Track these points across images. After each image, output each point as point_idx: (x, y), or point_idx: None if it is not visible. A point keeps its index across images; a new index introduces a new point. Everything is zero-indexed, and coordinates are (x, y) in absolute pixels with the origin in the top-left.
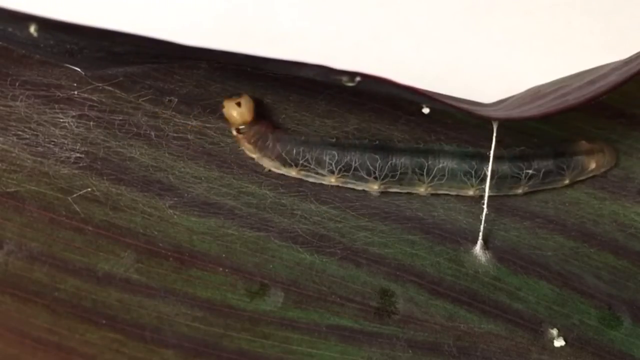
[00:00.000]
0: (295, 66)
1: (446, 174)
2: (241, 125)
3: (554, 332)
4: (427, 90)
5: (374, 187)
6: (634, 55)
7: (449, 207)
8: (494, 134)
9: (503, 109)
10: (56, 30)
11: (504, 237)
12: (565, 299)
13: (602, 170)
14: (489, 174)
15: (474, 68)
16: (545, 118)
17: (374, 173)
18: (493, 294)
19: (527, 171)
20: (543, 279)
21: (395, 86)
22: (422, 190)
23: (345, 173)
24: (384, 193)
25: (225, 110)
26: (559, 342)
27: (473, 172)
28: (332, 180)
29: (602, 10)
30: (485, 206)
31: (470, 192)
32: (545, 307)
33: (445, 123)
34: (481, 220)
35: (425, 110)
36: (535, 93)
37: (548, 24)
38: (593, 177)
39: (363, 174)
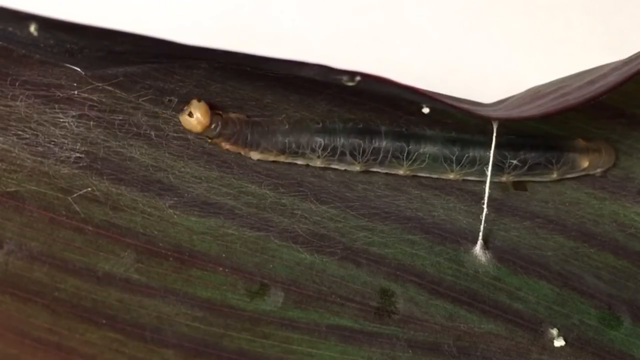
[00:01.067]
0: (296, 66)
1: (427, 159)
2: (207, 130)
3: (554, 332)
4: (427, 90)
5: (356, 168)
6: (634, 55)
7: (449, 207)
8: (494, 134)
9: (503, 109)
10: (56, 29)
11: (504, 237)
12: (565, 299)
13: (599, 170)
14: (489, 173)
15: (474, 68)
16: (545, 118)
17: (358, 155)
18: (493, 294)
19: (512, 161)
20: (543, 279)
21: (395, 86)
22: (401, 172)
23: (330, 157)
24: (384, 193)
25: (184, 125)
26: (559, 342)
27: (454, 158)
28: (317, 163)
29: (602, 10)
30: (485, 206)
31: (451, 176)
32: (545, 307)
33: (445, 123)
34: (481, 220)
35: (425, 110)
36: (535, 93)
37: (548, 24)
38: (593, 177)
39: (347, 156)
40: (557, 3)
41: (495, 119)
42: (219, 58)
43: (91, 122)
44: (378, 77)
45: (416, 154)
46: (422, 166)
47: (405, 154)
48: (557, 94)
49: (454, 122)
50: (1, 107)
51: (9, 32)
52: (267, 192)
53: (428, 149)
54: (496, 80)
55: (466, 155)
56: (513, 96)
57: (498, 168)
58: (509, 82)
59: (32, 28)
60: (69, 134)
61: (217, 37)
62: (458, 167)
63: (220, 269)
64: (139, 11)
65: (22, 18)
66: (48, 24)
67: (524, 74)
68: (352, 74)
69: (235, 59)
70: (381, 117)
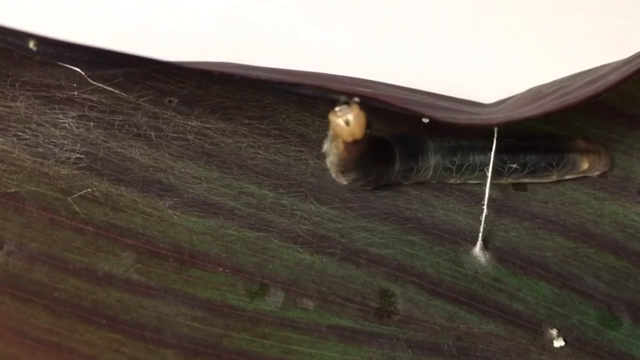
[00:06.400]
0: (294, 86)
1: (430, 171)
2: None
3: (554, 332)
4: (427, 106)
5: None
6: (634, 55)
7: (449, 208)
8: (494, 137)
9: (503, 109)
10: (54, 46)
11: (504, 237)
12: (565, 299)
13: (595, 173)
14: (489, 175)
15: (474, 68)
16: (546, 118)
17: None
18: (493, 294)
19: (511, 165)
20: (542, 280)
21: (394, 107)
22: (406, 183)
23: None
24: (383, 194)
25: (332, 127)
26: (558, 343)
27: (454, 168)
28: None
29: (602, 10)
30: (485, 207)
31: (451, 181)
32: (544, 308)
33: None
34: (481, 220)
35: (425, 120)
36: (536, 93)
37: (548, 24)
38: (593, 177)
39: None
40: (557, 3)
41: (497, 124)
42: (215, 79)
43: (91, 123)
44: (376, 99)
45: (422, 170)
46: (425, 178)
47: (413, 173)
48: (557, 94)
49: None
50: (1, 108)
51: (9, 42)
52: (267, 192)
53: (431, 162)
54: (496, 80)
55: (467, 163)
56: (513, 96)
57: (498, 172)
58: (509, 82)
59: (32, 44)
60: (69, 135)
61: (218, 37)
62: (458, 174)
63: (220, 269)
64: (139, 11)
65: (21, 37)
66: (46, 42)
67: (524, 74)
68: (350, 95)
69: (232, 80)
70: (381, 117)
